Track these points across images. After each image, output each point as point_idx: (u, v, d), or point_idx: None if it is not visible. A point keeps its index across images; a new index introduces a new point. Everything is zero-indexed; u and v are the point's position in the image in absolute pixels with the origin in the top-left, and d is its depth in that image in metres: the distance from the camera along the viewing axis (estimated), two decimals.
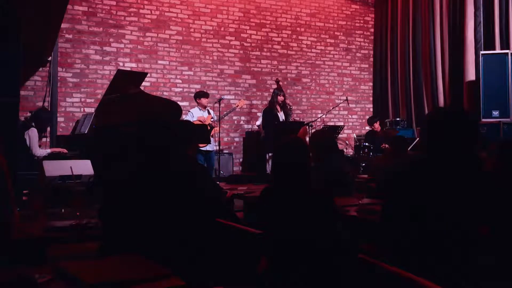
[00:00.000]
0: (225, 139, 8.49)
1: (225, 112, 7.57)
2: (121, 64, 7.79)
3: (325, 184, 3.02)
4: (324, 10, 9.62)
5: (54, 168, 3.82)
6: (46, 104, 7.06)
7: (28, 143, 5.33)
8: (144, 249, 1.79)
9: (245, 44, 8.84)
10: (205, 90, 8.07)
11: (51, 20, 5.64)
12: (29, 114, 5.77)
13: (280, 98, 7.39)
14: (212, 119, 7.15)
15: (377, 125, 8.12)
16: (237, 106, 7.63)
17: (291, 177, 2.35)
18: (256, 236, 1.92)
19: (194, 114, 7.17)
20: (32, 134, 5.37)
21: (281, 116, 7.41)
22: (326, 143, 3.71)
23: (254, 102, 8.87)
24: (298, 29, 9.34)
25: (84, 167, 3.91)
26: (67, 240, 2.34)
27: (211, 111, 7.25)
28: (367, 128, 8.80)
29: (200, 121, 7.07)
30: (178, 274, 1.51)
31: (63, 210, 2.93)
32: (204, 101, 7.20)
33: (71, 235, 2.36)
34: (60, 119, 7.35)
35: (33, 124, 5.46)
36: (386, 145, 7.17)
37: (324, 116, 8.74)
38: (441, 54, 8.43)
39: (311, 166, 2.43)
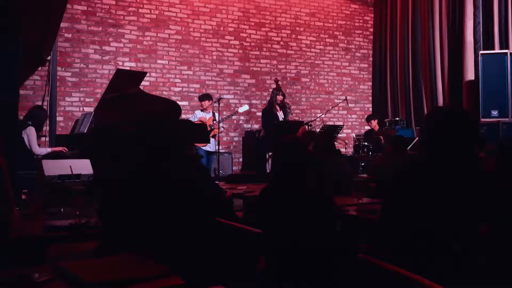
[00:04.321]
0: (224, 138, 8.49)
1: (226, 116, 7.58)
2: (120, 63, 7.78)
3: (325, 184, 3.02)
4: (324, 10, 9.62)
5: (54, 168, 3.81)
6: (45, 103, 7.05)
7: (26, 142, 5.32)
8: (143, 248, 1.79)
9: (245, 43, 8.84)
10: (204, 90, 8.10)
11: (51, 19, 5.63)
12: (25, 114, 5.75)
13: (279, 98, 7.39)
14: (214, 121, 7.16)
15: (374, 123, 8.12)
16: (238, 111, 7.62)
17: (291, 177, 2.35)
18: (255, 236, 1.92)
19: (197, 115, 7.22)
20: (30, 132, 5.36)
21: (280, 115, 7.42)
22: (325, 143, 3.72)
23: (254, 101, 8.87)
24: (297, 28, 9.34)
25: (83, 166, 3.89)
26: (66, 240, 2.34)
27: (216, 114, 7.26)
28: (366, 127, 8.81)
29: (201, 121, 7.09)
30: (178, 273, 1.51)
31: (62, 210, 2.93)
32: (205, 103, 7.22)
33: (71, 235, 2.35)
34: (59, 118, 7.35)
35: (29, 122, 5.45)
36: (382, 139, 7.18)
37: (323, 115, 8.75)
38: (440, 54, 8.43)
39: (311, 165, 2.43)
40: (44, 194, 3.36)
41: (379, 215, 2.14)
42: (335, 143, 7.81)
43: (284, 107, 7.46)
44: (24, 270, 1.55)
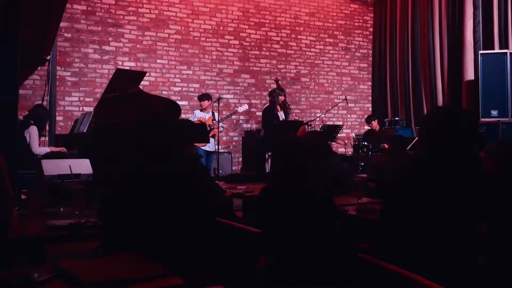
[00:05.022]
0: (224, 138, 8.48)
1: (226, 115, 7.58)
2: (120, 63, 7.78)
3: (325, 184, 3.02)
4: (323, 10, 9.62)
5: (53, 167, 3.81)
6: (45, 103, 7.05)
7: (28, 141, 5.32)
8: (143, 248, 1.79)
9: (244, 43, 8.84)
10: (204, 90, 8.10)
11: (50, 19, 5.63)
12: (27, 113, 5.75)
13: (281, 98, 7.37)
14: (214, 121, 7.16)
15: (375, 124, 8.11)
16: (238, 111, 7.62)
17: (290, 176, 2.35)
18: (255, 235, 1.92)
19: (196, 115, 7.22)
20: (32, 132, 5.36)
21: (281, 115, 7.40)
22: (320, 145, 3.73)
23: (253, 101, 8.87)
24: (297, 28, 9.34)
25: (83, 166, 3.89)
26: (66, 239, 2.34)
27: (215, 114, 7.26)
28: (366, 127, 8.81)
29: (200, 121, 7.09)
30: (177, 273, 1.51)
31: (61, 209, 2.93)
32: (204, 103, 7.21)
33: (70, 234, 2.36)
34: (58, 118, 7.34)
35: (31, 122, 5.44)
36: (386, 145, 7.17)
37: (323, 115, 8.74)
38: (440, 53, 8.43)
39: (311, 165, 2.43)
40: (44, 194, 3.37)
41: (378, 214, 2.14)
42: (335, 143, 7.85)
43: (285, 107, 7.45)
44: (24, 270, 1.55)
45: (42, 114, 5.73)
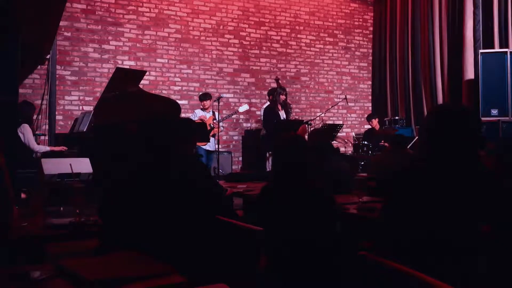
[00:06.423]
0: (224, 137, 8.48)
1: (226, 115, 7.58)
2: (119, 62, 7.78)
3: (325, 183, 3.02)
4: (323, 9, 9.61)
5: (53, 166, 3.81)
6: (44, 102, 7.05)
7: (23, 140, 5.30)
8: (144, 247, 1.79)
9: (244, 42, 8.83)
10: (204, 89, 8.10)
11: (50, 18, 5.63)
12: None
13: (283, 97, 7.36)
14: (214, 120, 7.16)
15: (375, 122, 8.10)
16: (238, 111, 7.61)
17: (291, 175, 2.35)
18: (255, 234, 1.92)
19: (197, 114, 7.23)
20: (25, 130, 5.33)
21: (282, 115, 7.39)
22: (322, 145, 3.73)
23: (253, 100, 8.87)
24: (297, 27, 9.33)
25: (83, 165, 3.89)
26: (66, 238, 2.34)
27: (216, 113, 7.26)
28: (366, 126, 8.81)
29: (201, 119, 7.10)
30: (179, 271, 1.51)
31: (62, 208, 2.93)
32: (206, 103, 7.22)
33: (71, 233, 2.35)
34: (58, 117, 7.34)
35: (20, 120, 5.40)
36: (386, 143, 7.18)
37: (323, 114, 8.74)
38: (440, 52, 8.43)
39: (312, 164, 2.43)
40: (44, 193, 3.37)
41: (378, 213, 2.14)
42: (335, 141, 7.85)
43: (286, 106, 7.44)
44: (24, 269, 1.55)
45: (27, 109, 5.68)
